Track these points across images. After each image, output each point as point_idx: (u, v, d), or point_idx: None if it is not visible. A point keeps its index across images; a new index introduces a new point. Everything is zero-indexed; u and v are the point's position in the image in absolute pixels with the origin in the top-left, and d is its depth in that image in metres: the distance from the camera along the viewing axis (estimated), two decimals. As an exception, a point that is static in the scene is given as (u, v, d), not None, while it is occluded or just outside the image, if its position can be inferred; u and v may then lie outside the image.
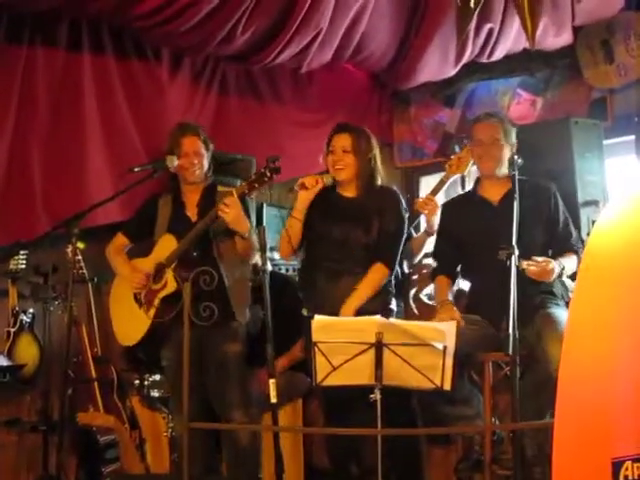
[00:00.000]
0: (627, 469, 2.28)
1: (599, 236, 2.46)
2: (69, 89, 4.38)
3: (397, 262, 3.82)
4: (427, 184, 5.75)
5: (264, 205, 5.12)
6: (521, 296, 3.20)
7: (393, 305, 3.80)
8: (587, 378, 2.33)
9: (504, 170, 3.70)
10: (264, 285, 3.28)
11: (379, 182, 3.82)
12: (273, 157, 3.49)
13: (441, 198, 4.24)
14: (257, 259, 4.45)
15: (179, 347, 3.70)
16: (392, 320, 3.09)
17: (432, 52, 4.47)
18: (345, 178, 3.77)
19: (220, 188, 3.87)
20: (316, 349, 3.07)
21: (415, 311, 4.35)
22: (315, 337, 3.06)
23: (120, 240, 4.04)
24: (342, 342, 3.03)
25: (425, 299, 4.49)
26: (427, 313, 4.15)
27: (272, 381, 3.00)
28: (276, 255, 4.50)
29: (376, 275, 3.69)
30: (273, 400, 3.01)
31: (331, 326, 3.05)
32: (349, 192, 3.83)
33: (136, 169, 3.83)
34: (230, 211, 3.62)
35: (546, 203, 3.71)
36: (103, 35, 4.46)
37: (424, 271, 4.38)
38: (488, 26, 4.17)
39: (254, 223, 4.76)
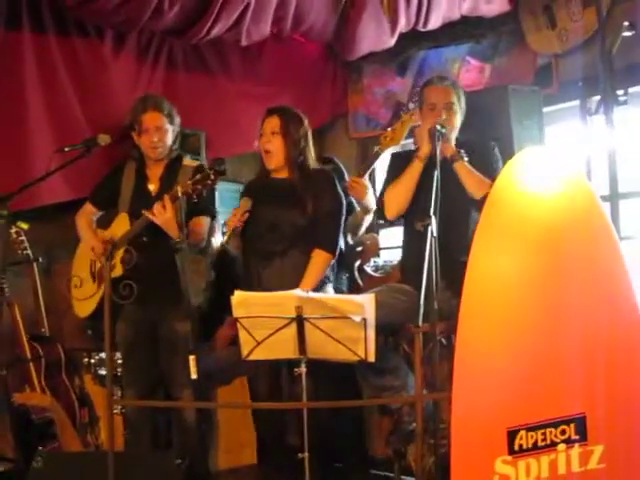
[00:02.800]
0: (521, 438, 2.33)
1: (500, 190, 2.47)
2: (8, 67, 4.35)
3: (338, 244, 3.79)
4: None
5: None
6: (447, 259, 3.17)
7: (329, 288, 3.78)
8: (482, 350, 2.35)
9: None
10: (181, 261, 3.26)
11: (311, 164, 3.79)
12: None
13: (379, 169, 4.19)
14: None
15: (130, 324, 3.76)
16: (310, 294, 3.09)
17: (367, 21, 4.43)
18: (276, 166, 3.76)
19: (186, 162, 3.90)
20: (238, 325, 3.08)
21: (360, 283, 4.36)
22: (236, 313, 3.06)
23: (88, 208, 4.05)
24: (263, 317, 3.03)
25: (370, 271, 4.51)
26: (372, 285, 4.16)
27: (192, 357, 3.01)
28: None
29: (319, 262, 3.67)
30: (193, 376, 3.03)
31: (250, 301, 3.05)
32: (282, 174, 3.81)
33: (66, 149, 3.81)
34: (160, 216, 3.54)
35: (487, 160, 3.64)
36: (43, 13, 4.43)
37: (368, 242, 4.39)
38: (416, -5, 4.15)
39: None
